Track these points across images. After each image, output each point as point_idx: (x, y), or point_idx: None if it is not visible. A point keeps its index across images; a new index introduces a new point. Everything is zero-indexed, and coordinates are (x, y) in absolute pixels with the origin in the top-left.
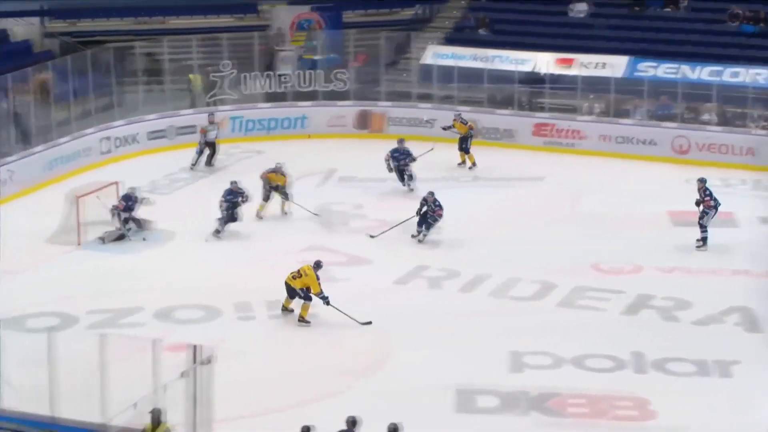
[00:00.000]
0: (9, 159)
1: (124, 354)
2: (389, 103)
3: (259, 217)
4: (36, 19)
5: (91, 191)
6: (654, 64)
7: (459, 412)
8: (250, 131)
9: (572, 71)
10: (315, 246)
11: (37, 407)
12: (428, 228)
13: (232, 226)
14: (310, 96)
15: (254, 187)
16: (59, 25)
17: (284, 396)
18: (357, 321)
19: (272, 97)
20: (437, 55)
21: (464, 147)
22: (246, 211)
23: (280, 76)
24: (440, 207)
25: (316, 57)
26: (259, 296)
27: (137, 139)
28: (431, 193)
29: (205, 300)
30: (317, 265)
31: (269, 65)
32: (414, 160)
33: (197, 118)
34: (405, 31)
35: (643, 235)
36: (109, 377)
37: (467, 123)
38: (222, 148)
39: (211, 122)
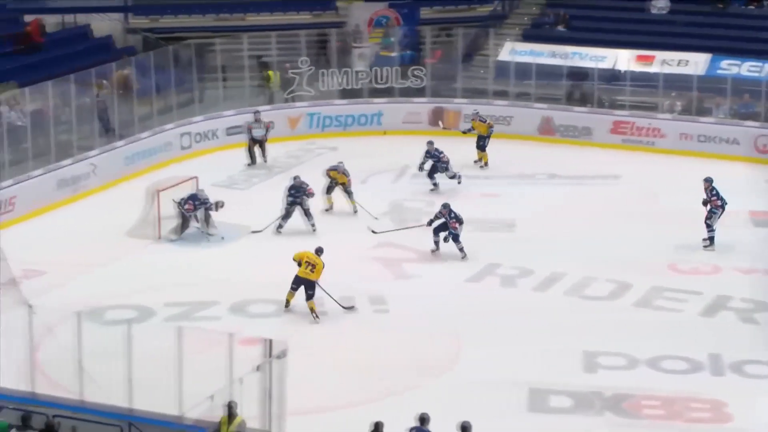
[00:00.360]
0: (91, 153)
1: (199, 347)
2: (464, 100)
3: (326, 209)
4: (119, 15)
5: (171, 185)
6: (737, 61)
7: (531, 412)
8: (327, 127)
9: (652, 68)
10: (386, 242)
11: (115, 399)
12: (456, 241)
13: (303, 221)
14: (386, 93)
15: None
16: (141, 21)
17: (355, 391)
18: (341, 305)
19: (348, 94)
20: (514, 51)
21: (481, 145)
22: (313, 205)
23: (356, 72)
24: (456, 219)
25: (393, 54)
26: (332, 291)
27: (216, 135)
28: (446, 206)
29: (278, 295)
30: (321, 251)
31: (346, 62)
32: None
33: (275, 114)
34: (482, 28)
35: (723, 235)
36: (185, 370)
37: (486, 121)
38: (298, 144)
39: (257, 120)
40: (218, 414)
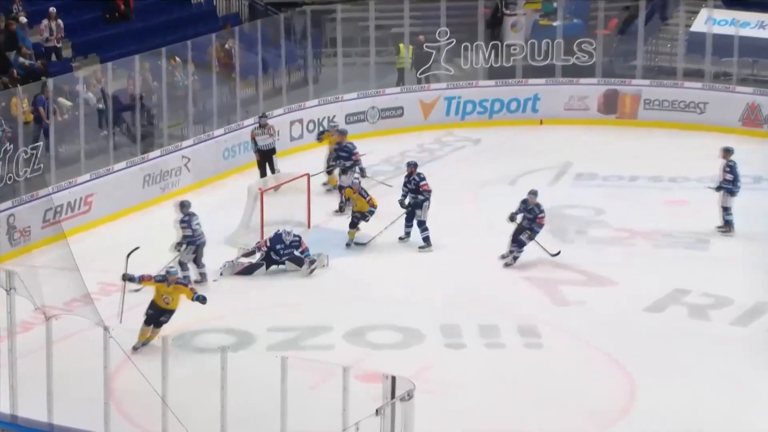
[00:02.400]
0: (184, 144)
1: (308, 381)
2: (645, 82)
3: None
4: None
5: (277, 184)
6: None
7: None
8: (468, 115)
9: None
10: (543, 259)
11: None
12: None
13: (433, 232)
14: (545, 72)
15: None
16: None
17: None
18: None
19: (497, 73)
20: (712, 20)
21: (331, 167)
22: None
23: (507, 46)
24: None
25: (555, 23)
26: (471, 319)
27: (333, 123)
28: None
29: (404, 320)
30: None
31: (496, 33)
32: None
33: (405, 98)
34: None
35: None
36: (291, 409)
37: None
38: (433, 135)
39: (262, 126)
40: None
